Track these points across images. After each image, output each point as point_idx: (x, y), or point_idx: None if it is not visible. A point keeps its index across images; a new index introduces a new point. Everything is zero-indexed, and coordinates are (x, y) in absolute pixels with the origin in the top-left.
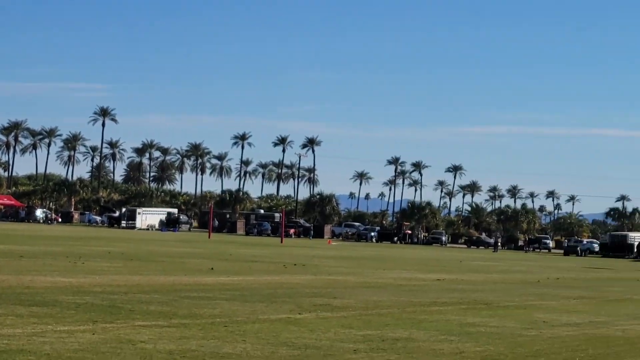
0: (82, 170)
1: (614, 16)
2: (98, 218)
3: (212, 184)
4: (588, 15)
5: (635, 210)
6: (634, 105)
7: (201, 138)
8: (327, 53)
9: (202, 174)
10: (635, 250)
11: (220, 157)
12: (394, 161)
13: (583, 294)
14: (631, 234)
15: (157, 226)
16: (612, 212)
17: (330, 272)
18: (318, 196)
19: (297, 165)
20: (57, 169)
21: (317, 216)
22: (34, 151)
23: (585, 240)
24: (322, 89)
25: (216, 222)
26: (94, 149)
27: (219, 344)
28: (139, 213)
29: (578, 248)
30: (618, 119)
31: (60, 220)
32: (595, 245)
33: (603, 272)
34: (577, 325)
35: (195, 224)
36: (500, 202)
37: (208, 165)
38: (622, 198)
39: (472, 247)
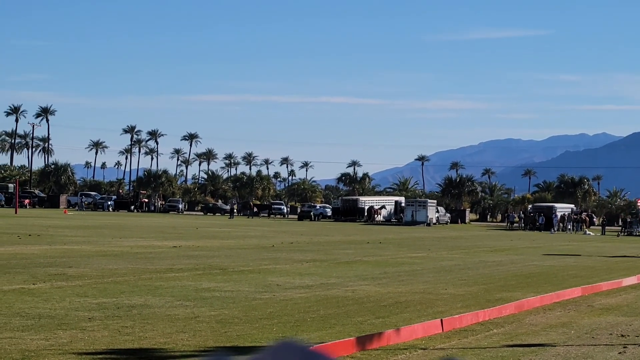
0: None
1: None
2: None
3: None
4: None
5: (365, 175)
6: (362, 74)
7: None
8: (57, 21)
9: None
10: (366, 214)
11: None
12: (130, 130)
13: (315, 257)
14: (362, 198)
15: None
16: (343, 178)
17: (65, 241)
18: (53, 166)
19: (31, 135)
20: None
21: (52, 186)
22: None
23: (318, 206)
24: (55, 58)
25: None
26: None
27: None
28: None
29: (312, 213)
30: (348, 87)
31: None
32: (328, 210)
33: (334, 235)
34: (309, 287)
35: None
36: (236, 169)
37: None
38: (353, 164)
39: (208, 214)
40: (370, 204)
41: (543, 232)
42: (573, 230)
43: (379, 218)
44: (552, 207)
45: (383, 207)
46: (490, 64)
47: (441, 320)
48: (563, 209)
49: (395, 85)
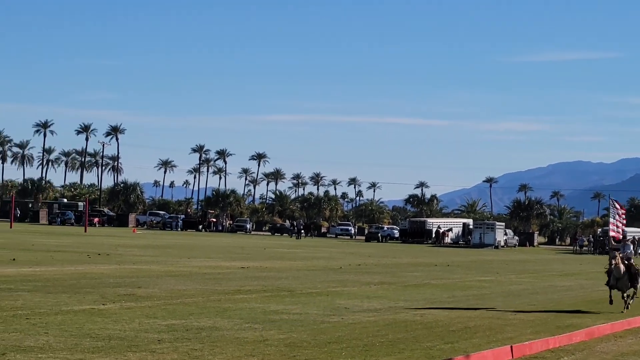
0: None
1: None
2: None
3: (13, 173)
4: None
5: (433, 196)
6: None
7: (1, 126)
8: (127, 39)
9: (2, 163)
10: (434, 235)
11: (22, 146)
12: (199, 149)
13: (383, 280)
14: (429, 220)
15: None
16: (411, 199)
17: (134, 261)
18: (122, 184)
19: (101, 154)
20: None
21: (121, 205)
22: None
23: (386, 227)
24: (125, 76)
25: (18, 212)
26: None
27: (21, 337)
28: None
29: (379, 234)
30: (416, 108)
31: None
32: (396, 231)
33: (402, 257)
34: (377, 310)
35: None
36: (304, 189)
37: (9, 153)
38: (421, 185)
39: (276, 234)
40: (438, 226)
41: None
42: None
43: (447, 240)
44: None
45: (451, 229)
46: (558, 85)
47: (511, 347)
48: (634, 232)
49: (464, 106)
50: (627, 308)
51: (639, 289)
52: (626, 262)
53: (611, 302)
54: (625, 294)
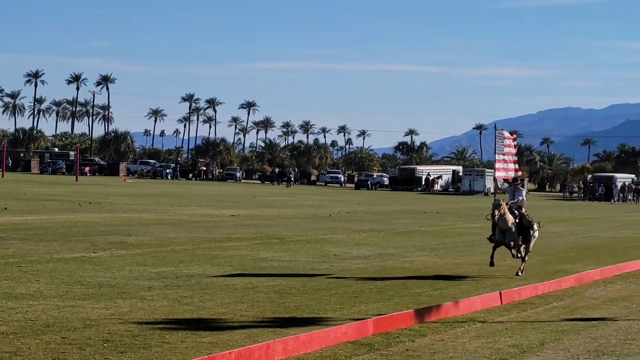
0: None
1: None
2: None
3: (4, 123)
4: None
5: (422, 144)
6: (421, 42)
7: None
8: None
9: None
10: (424, 183)
11: (13, 96)
12: (189, 98)
13: (373, 227)
14: (419, 168)
15: None
16: (401, 146)
17: (125, 209)
18: (113, 134)
19: (92, 103)
20: None
21: (112, 154)
22: None
23: (375, 175)
24: (114, 25)
25: (10, 161)
26: None
27: (12, 285)
28: None
29: (368, 182)
30: (406, 55)
31: None
32: (385, 178)
33: (392, 205)
34: (366, 257)
35: None
36: (294, 137)
37: (0, 103)
38: (411, 132)
39: (265, 182)
40: (428, 173)
41: (603, 203)
42: (633, 200)
43: (436, 187)
44: (612, 177)
45: (440, 176)
46: (551, 31)
47: (500, 293)
48: (623, 179)
49: (454, 52)
50: (522, 273)
51: (531, 247)
52: (516, 212)
53: (492, 263)
54: (514, 251)
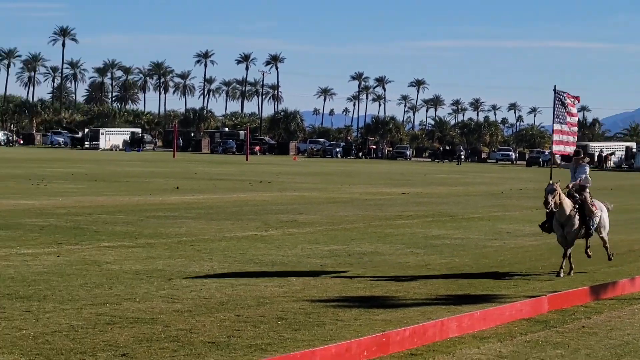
0: (43, 91)
1: None
2: (61, 139)
3: (175, 103)
4: None
5: (595, 120)
6: (593, 18)
7: (163, 57)
8: None
9: (165, 93)
10: (596, 159)
11: (183, 76)
12: (358, 77)
13: None
14: (591, 144)
15: (120, 146)
16: None
17: (295, 188)
18: (282, 113)
19: (261, 83)
20: (17, 91)
21: (281, 133)
22: None
23: (547, 151)
24: (284, 5)
25: (181, 141)
26: (54, 69)
27: (186, 263)
28: (102, 133)
29: (540, 159)
30: (577, 31)
31: (22, 142)
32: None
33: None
34: (539, 235)
35: (159, 143)
36: (464, 115)
37: (171, 84)
38: (583, 109)
39: (436, 160)
40: (600, 150)
41: None
42: None
43: (609, 164)
44: None
45: (613, 152)
46: None
47: None
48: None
49: (627, 28)
50: (613, 257)
51: (607, 237)
52: (576, 196)
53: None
54: (569, 249)
